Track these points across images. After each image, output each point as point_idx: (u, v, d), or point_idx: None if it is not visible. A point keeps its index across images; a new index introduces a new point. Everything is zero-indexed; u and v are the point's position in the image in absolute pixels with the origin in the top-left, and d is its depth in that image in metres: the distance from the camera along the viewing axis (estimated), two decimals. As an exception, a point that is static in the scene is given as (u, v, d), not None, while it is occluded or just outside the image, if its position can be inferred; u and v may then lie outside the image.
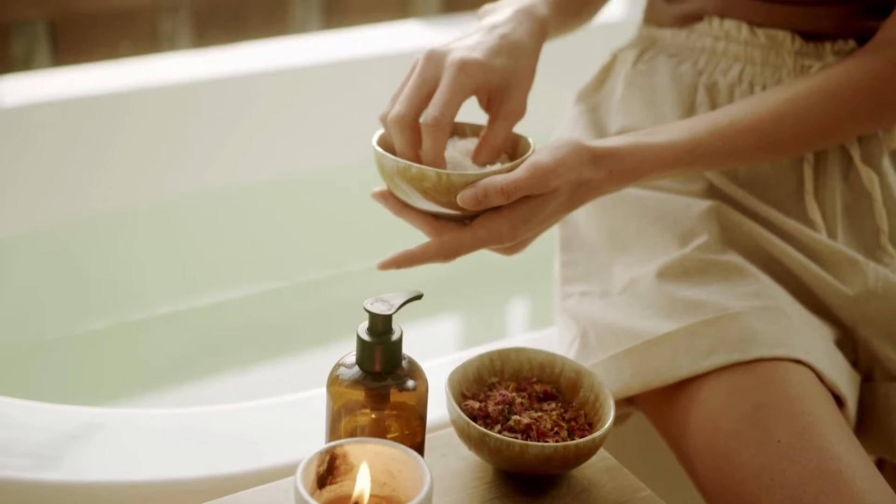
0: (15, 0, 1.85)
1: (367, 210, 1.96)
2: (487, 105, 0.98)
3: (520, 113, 0.97)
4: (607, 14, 2.21)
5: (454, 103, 0.92)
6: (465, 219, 0.92)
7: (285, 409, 1.09)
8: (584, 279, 1.12)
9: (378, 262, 0.92)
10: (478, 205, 0.88)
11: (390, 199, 0.94)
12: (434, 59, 0.94)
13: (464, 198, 0.88)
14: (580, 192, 0.93)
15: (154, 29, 2.01)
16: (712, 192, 1.09)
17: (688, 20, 1.13)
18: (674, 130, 0.98)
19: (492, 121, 0.97)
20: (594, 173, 0.92)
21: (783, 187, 1.08)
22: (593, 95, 1.21)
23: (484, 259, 2.01)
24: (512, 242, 0.92)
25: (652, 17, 1.19)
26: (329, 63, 2.01)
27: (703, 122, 0.99)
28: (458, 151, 0.95)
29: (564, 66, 1.97)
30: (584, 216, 1.14)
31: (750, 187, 1.08)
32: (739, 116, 0.99)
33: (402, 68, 0.98)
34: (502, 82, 0.95)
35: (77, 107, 1.79)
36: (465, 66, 0.92)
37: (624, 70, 1.18)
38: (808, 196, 1.07)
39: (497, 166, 0.92)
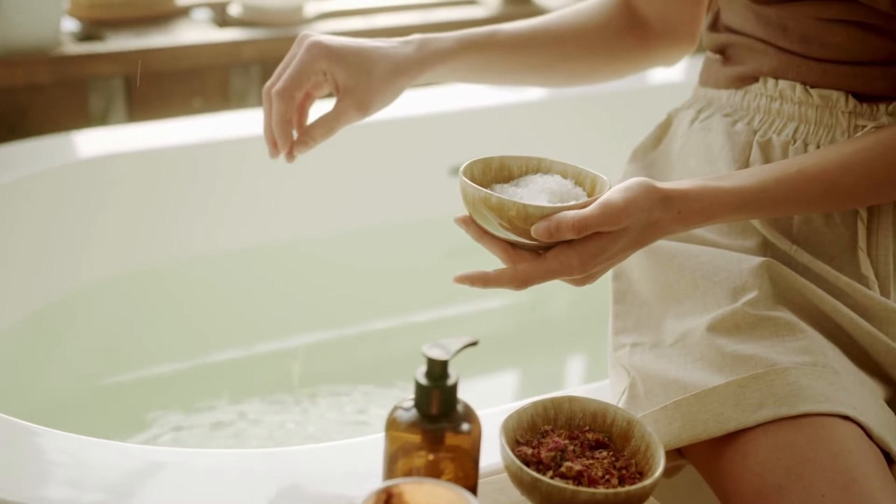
0: (92, 56, 1.91)
1: (389, 271, 1.96)
2: (336, 92, 1.10)
3: (345, 115, 1.10)
4: (667, 75, 2.23)
5: (296, 77, 1.08)
6: (540, 249, 0.95)
7: (342, 452, 1.11)
8: (635, 331, 1.14)
9: (455, 276, 0.96)
10: (550, 237, 0.91)
11: (472, 225, 0.98)
12: (299, 40, 1.10)
13: (538, 229, 0.92)
14: (649, 231, 0.96)
15: (225, 86, 2.07)
16: (766, 247, 1.10)
17: (743, 81, 1.16)
18: (742, 176, 1.01)
19: (332, 110, 1.11)
20: (663, 213, 0.95)
21: (837, 244, 1.09)
22: (650, 153, 1.24)
23: (541, 315, 2.02)
24: (582, 275, 0.95)
25: (708, 79, 1.22)
26: (398, 119, 2.04)
27: (772, 170, 1.02)
28: (541, 187, 0.99)
29: (620, 126, 2.00)
30: (638, 269, 1.16)
31: (804, 243, 1.10)
32: (808, 165, 1.02)
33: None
34: (348, 79, 1.08)
35: (148, 160, 1.85)
36: (310, 48, 1.07)
37: (681, 129, 1.21)
38: (861, 253, 1.08)
39: (572, 202, 0.95)
